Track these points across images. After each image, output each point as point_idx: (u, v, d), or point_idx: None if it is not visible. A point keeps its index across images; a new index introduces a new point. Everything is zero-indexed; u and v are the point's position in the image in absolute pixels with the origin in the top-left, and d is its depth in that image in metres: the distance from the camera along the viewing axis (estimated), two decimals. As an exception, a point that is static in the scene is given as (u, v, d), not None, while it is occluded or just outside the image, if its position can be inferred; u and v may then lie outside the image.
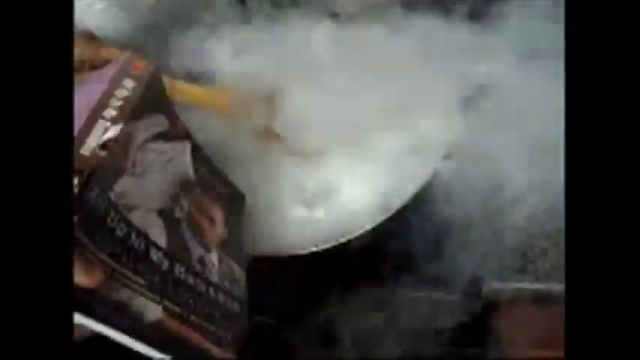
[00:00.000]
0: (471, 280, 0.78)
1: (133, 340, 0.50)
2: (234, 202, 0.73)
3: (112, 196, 0.53)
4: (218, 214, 0.67)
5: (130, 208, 0.55)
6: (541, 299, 0.77)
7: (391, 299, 0.80)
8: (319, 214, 0.81)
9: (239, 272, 0.66)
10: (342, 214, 0.80)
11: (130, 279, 0.51)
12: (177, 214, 0.61)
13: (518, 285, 0.78)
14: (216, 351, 0.57)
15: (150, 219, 0.57)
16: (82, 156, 0.51)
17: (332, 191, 0.81)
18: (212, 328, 0.58)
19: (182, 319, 0.55)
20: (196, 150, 0.67)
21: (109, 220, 0.52)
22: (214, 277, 0.61)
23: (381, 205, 0.77)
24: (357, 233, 0.74)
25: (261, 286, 0.70)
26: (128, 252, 0.52)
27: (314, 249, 0.74)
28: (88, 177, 0.50)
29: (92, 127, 0.53)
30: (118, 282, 0.50)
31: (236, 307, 0.63)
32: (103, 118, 0.54)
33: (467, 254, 0.76)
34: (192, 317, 0.56)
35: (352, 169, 0.82)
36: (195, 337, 0.55)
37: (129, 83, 0.58)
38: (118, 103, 0.55)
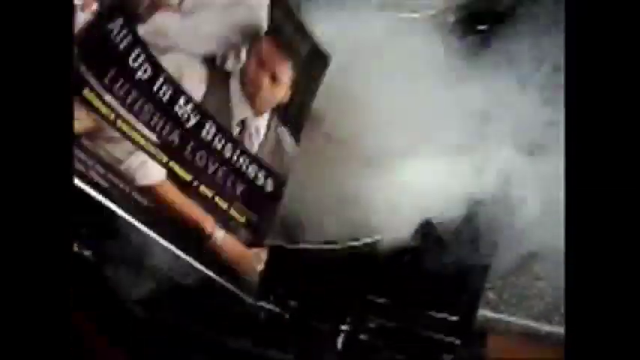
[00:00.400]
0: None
1: (111, 201, 0.44)
2: (312, 63, 0.62)
3: (142, 31, 0.47)
4: (285, 74, 0.58)
5: (164, 50, 0.48)
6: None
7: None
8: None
9: (290, 146, 0.58)
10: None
11: (137, 131, 0.46)
12: (230, 66, 0.53)
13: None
14: (219, 235, 0.51)
15: (188, 65, 0.50)
16: None
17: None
18: (225, 206, 0.52)
19: (188, 188, 0.49)
20: None
21: (130, 59, 0.46)
22: (253, 146, 0.54)
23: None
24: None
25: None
26: (147, 99, 0.47)
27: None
28: (111, 5, 0.44)
29: None
30: (120, 132, 0.45)
31: (269, 185, 0.56)
32: None
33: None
34: (203, 189, 0.50)
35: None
36: (197, 214, 0.49)
37: None
38: None
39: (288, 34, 0.59)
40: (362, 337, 0.70)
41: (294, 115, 0.59)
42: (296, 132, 0.59)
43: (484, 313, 0.72)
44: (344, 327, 0.69)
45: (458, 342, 0.69)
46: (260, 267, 0.51)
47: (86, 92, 0.43)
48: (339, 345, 0.69)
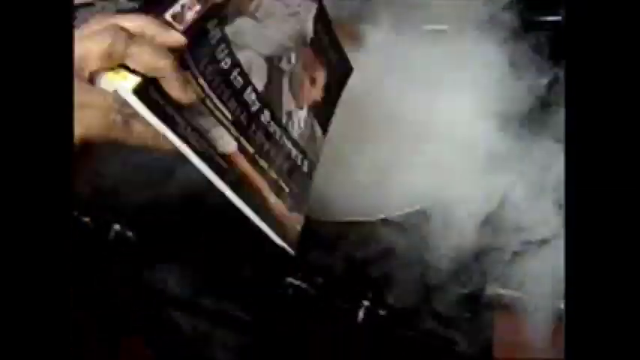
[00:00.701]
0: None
1: (203, 163, 0.54)
2: (339, 71, 0.77)
3: (228, 30, 0.58)
4: (320, 77, 0.72)
5: (241, 47, 0.60)
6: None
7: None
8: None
9: (320, 137, 0.71)
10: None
11: (218, 109, 0.57)
12: (284, 65, 0.65)
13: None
14: (272, 199, 0.62)
15: (256, 62, 0.62)
16: None
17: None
18: (275, 176, 0.63)
19: (252, 160, 0.61)
20: (322, 13, 0.71)
21: (218, 51, 0.58)
22: (294, 134, 0.67)
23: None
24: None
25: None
26: (226, 85, 0.58)
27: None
28: (210, 8, 0.56)
29: None
30: (207, 108, 0.57)
31: (305, 166, 0.68)
32: None
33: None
34: (262, 162, 0.62)
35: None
36: (258, 180, 0.61)
37: None
38: None
39: (325, 46, 0.72)
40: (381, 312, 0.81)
41: (323, 112, 0.72)
42: (324, 126, 0.72)
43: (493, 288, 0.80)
44: (365, 302, 0.80)
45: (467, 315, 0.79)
46: (299, 228, 0.62)
47: (188, 74, 0.54)
48: (360, 319, 0.79)
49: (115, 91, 0.50)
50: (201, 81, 0.56)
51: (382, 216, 0.80)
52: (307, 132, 0.69)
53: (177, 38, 0.53)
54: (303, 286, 0.81)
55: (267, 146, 0.63)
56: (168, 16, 0.54)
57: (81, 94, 0.52)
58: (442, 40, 1.00)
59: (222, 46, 0.58)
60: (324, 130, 0.72)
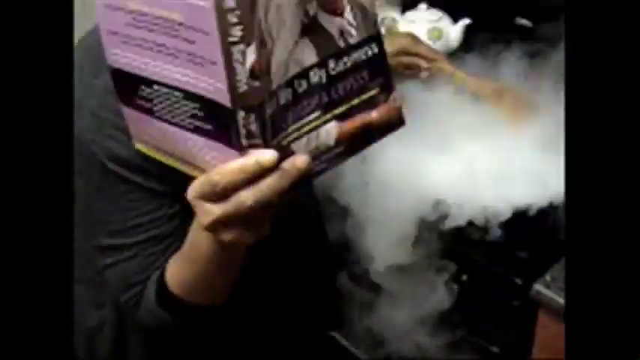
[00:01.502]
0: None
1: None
2: None
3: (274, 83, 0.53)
4: None
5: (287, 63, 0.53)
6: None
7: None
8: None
9: (368, 2, 0.59)
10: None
11: (305, 127, 0.55)
12: (311, 9, 0.54)
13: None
14: (382, 98, 0.59)
15: (300, 50, 0.54)
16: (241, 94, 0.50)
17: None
18: (365, 95, 0.58)
19: (346, 114, 0.57)
20: None
21: (280, 97, 0.53)
22: (354, 36, 0.57)
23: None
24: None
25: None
26: (297, 108, 0.54)
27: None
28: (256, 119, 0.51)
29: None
30: (300, 141, 0.54)
31: (375, 48, 0.58)
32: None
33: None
34: (354, 102, 0.58)
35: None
36: (362, 118, 0.58)
37: None
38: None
39: None
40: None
41: None
42: None
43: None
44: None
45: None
46: None
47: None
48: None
49: None
50: (284, 138, 0.55)
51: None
52: (359, 19, 0.58)
53: None
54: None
55: (349, 85, 0.58)
56: None
57: None
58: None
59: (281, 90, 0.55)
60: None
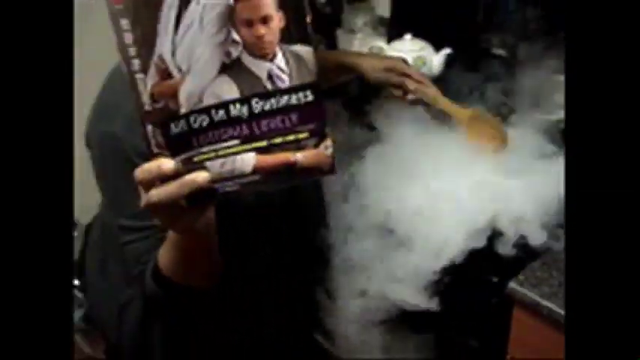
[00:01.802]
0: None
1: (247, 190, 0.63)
2: None
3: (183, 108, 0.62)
4: (269, 4, 0.61)
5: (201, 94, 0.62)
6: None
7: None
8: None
9: (307, 52, 0.63)
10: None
11: (222, 151, 0.63)
12: (234, 52, 0.62)
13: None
14: (299, 156, 0.64)
15: (218, 85, 0.62)
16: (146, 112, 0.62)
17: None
18: (291, 136, 0.64)
19: (269, 149, 0.64)
20: None
21: (191, 120, 0.62)
22: (286, 82, 0.63)
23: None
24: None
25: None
26: (214, 133, 0.63)
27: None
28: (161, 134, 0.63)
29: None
30: (216, 161, 0.63)
31: (310, 95, 0.64)
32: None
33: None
34: (277, 140, 0.64)
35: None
36: (283, 155, 0.64)
37: None
38: None
39: None
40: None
41: (295, 27, 0.63)
42: (304, 37, 0.64)
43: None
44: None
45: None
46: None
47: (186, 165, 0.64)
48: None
49: None
50: (192, 156, 0.65)
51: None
52: (293, 63, 0.63)
53: None
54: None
55: (271, 124, 0.64)
56: None
57: None
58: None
59: (193, 116, 0.64)
60: (309, 43, 0.64)
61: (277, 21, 0.61)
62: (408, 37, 1.50)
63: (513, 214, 1.01)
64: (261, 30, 0.61)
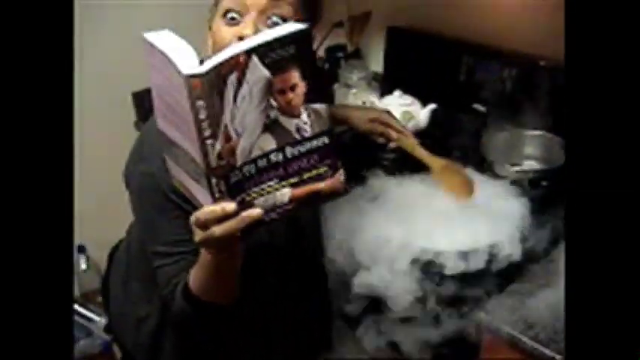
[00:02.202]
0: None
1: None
2: (301, 49, 0.79)
3: (239, 161, 0.80)
4: (295, 76, 0.79)
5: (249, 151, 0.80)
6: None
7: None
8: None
9: (322, 108, 0.82)
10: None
11: (265, 190, 0.81)
12: (272, 114, 0.81)
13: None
14: (321, 185, 0.83)
15: (263, 141, 0.81)
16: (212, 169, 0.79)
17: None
18: (315, 172, 0.83)
19: (299, 184, 0.82)
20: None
21: (244, 170, 0.80)
22: (308, 132, 0.82)
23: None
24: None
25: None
26: (259, 177, 0.81)
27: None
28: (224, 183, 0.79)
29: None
30: (260, 199, 0.81)
31: (326, 139, 0.83)
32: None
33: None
34: (305, 176, 0.82)
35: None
36: (311, 186, 0.83)
37: None
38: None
39: (278, 57, 0.81)
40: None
41: (313, 89, 0.82)
42: (320, 96, 0.83)
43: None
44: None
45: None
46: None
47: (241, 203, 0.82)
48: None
49: None
50: (243, 197, 0.82)
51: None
52: (314, 117, 0.82)
53: None
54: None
55: (300, 164, 0.83)
56: None
57: None
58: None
59: (245, 167, 0.81)
60: (323, 100, 0.83)
61: (302, 88, 0.80)
62: (397, 93, 1.68)
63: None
64: (290, 96, 0.80)
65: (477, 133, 1.55)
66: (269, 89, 0.78)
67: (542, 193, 1.27)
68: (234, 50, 0.76)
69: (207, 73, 0.75)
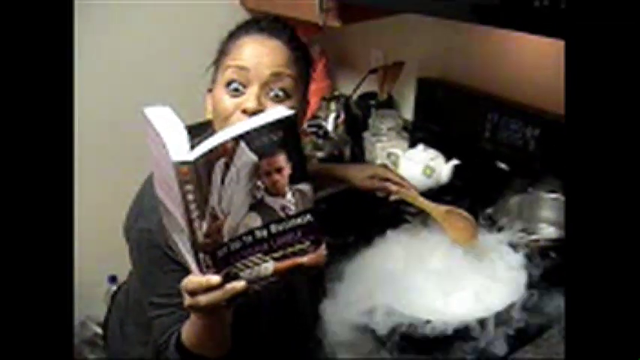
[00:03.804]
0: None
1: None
2: (287, 134, 0.84)
3: (225, 238, 0.84)
4: (281, 159, 0.84)
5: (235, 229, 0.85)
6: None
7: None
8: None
9: (307, 188, 0.86)
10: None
11: (250, 263, 0.86)
12: (258, 194, 0.85)
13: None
14: (304, 259, 0.88)
15: (249, 219, 0.85)
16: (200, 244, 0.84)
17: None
18: (299, 247, 0.87)
19: (283, 258, 0.86)
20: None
21: (230, 246, 0.85)
22: (293, 210, 0.86)
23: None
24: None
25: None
26: (245, 251, 0.86)
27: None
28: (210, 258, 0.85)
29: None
30: (245, 271, 0.86)
31: (309, 217, 0.87)
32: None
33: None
34: (289, 250, 0.87)
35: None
36: (294, 260, 0.87)
37: None
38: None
39: (263, 144, 0.85)
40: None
41: (297, 169, 0.86)
42: (304, 176, 0.87)
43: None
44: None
45: None
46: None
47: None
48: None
49: None
50: (228, 270, 0.87)
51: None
52: (298, 196, 0.86)
53: None
54: None
55: (283, 240, 0.87)
56: None
57: None
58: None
59: (232, 243, 0.87)
60: (307, 180, 0.87)
61: (287, 170, 0.84)
62: (420, 146, 1.71)
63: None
64: (276, 177, 0.84)
65: (498, 193, 1.55)
66: (256, 172, 0.83)
67: (549, 265, 1.26)
68: (223, 137, 0.81)
69: (197, 160, 0.80)
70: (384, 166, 1.50)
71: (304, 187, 0.86)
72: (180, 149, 0.81)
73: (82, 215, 1.38)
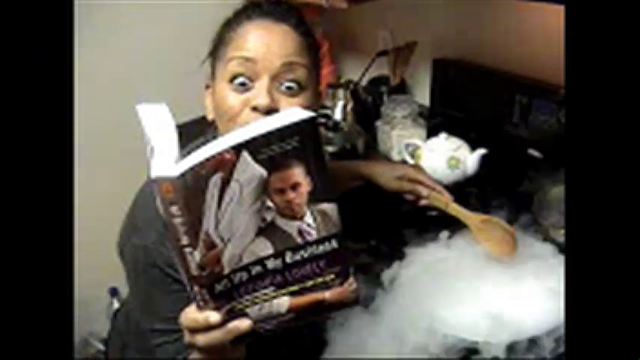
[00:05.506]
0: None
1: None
2: (305, 141, 0.67)
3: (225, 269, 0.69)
4: (297, 173, 0.68)
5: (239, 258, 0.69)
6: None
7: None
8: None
9: (331, 208, 0.70)
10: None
11: (259, 298, 0.71)
12: (268, 216, 0.69)
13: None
14: (327, 295, 0.73)
15: (256, 246, 0.70)
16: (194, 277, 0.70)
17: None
18: (320, 279, 0.72)
19: (301, 293, 0.71)
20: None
21: (233, 278, 0.70)
22: (313, 235, 0.71)
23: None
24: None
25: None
26: (252, 284, 0.71)
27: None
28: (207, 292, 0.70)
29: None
30: (254, 308, 0.71)
31: (335, 243, 0.71)
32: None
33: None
34: (309, 284, 0.72)
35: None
36: (314, 296, 0.72)
37: None
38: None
39: (276, 157, 0.71)
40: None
41: (320, 187, 0.70)
42: (328, 194, 0.71)
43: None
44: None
45: None
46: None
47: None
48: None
49: None
50: (234, 305, 0.73)
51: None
52: (320, 219, 0.71)
53: None
54: None
55: (303, 272, 0.72)
56: None
57: None
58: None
59: (236, 277, 0.72)
60: (332, 198, 0.71)
61: (305, 186, 0.68)
62: (443, 135, 1.53)
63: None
64: (291, 195, 0.68)
65: (530, 185, 1.38)
66: (264, 189, 0.67)
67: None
68: (218, 147, 0.65)
69: (182, 175, 0.64)
70: (416, 166, 1.33)
71: (328, 206, 0.70)
72: (166, 160, 0.65)
73: (81, 226, 1.24)
